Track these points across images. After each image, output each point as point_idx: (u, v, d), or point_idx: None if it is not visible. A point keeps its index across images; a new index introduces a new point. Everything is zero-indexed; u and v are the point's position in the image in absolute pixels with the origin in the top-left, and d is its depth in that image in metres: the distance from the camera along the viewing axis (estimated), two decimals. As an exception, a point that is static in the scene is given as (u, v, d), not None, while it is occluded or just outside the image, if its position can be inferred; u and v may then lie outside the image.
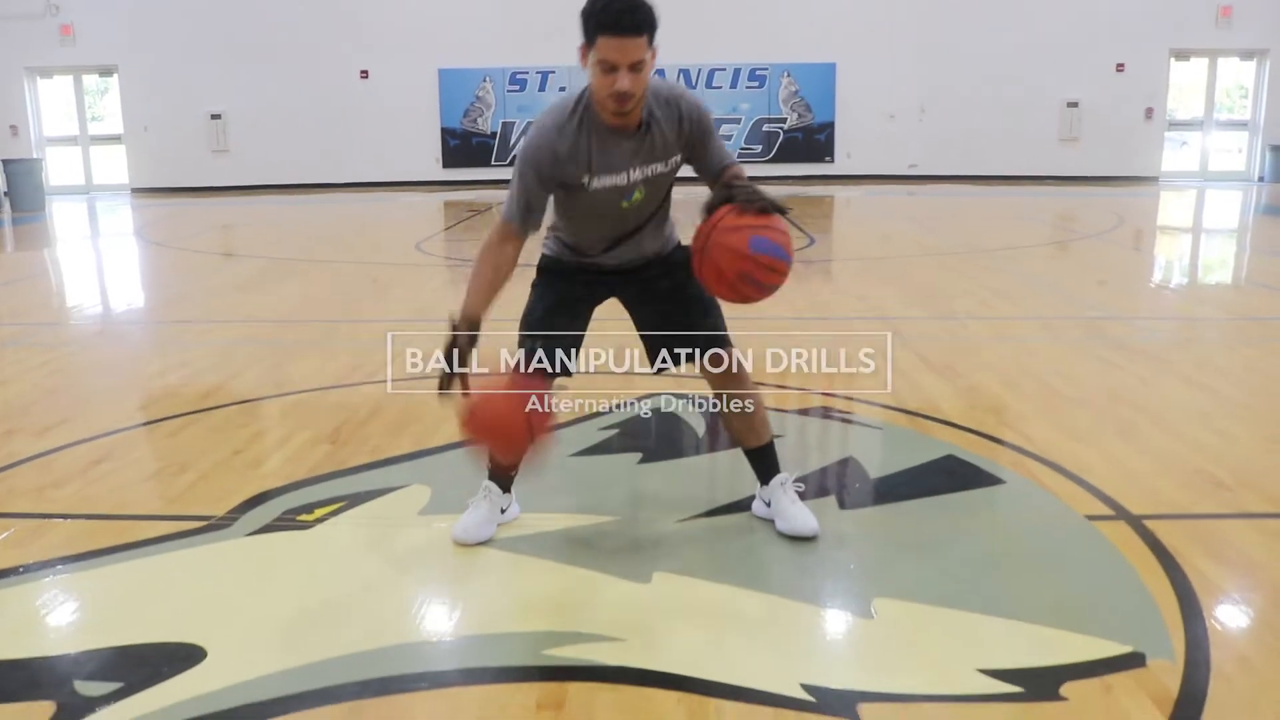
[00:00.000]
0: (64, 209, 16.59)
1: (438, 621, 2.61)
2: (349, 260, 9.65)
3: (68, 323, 6.98)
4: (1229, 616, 2.54)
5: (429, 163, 19.92)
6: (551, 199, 2.87)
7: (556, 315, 2.96)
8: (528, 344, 2.93)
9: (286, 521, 3.22)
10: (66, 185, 19.68)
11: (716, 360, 3.01)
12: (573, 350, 3.00)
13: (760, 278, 2.66)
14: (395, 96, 19.56)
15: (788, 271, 2.70)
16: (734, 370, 3.02)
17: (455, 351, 2.65)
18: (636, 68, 2.55)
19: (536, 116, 2.84)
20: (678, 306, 3.01)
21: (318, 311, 7.04)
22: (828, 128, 19.79)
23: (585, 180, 2.74)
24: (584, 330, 3.05)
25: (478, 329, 2.70)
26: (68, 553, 2.99)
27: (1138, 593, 2.66)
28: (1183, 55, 19.05)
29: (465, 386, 2.65)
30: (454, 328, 2.68)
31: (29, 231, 13.35)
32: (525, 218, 2.77)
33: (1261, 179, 18.76)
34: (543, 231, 3.02)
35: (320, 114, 19.59)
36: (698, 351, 3.01)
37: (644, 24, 2.54)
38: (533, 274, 3.05)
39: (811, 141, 19.91)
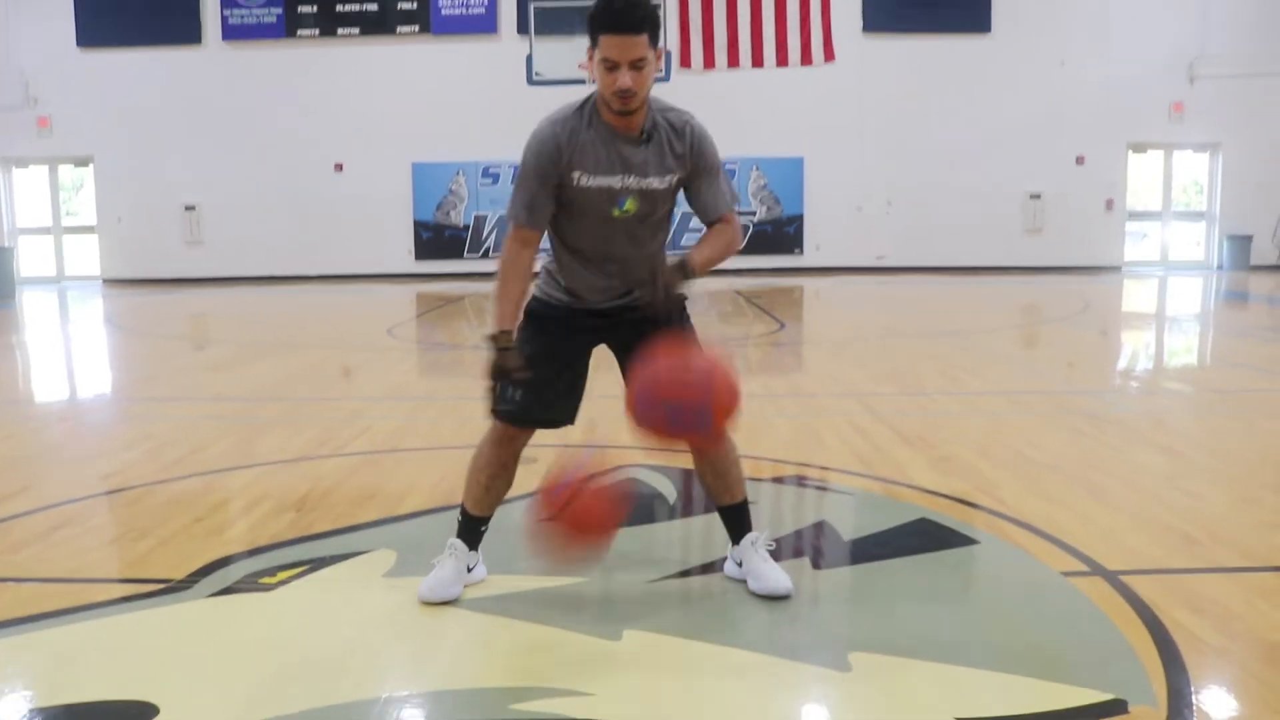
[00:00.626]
0: (34, 298, 16.49)
1: (400, 677, 2.53)
2: (320, 345, 9.62)
3: (32, 401, 6.88)
4: (1211, 664, 2.51)
5: (402, 255, 20.01)
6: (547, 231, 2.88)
7: (539, 365, 2.88)
8: (506, 390, 2.87)
9: (248, 584, 3.13)
10: (38, 275, 19.61)
11: None
12: (562, 402, 2.96)
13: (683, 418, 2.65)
14: (369, 189, 19.74)
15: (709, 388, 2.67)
16: None
17: (500, 365, 2.75)
18: (638, 65, 2.61)
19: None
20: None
21: (287, 391, 6.98)
22: (796, 220, 20.10)
23: (578, 177, 2.75)
24: (578, 381, 2.99)
25: (514, 339, 2.78)
26: (18, 615, 2.88)
27: (1117, 643, 2.62)
28: (1140, 148, 19.60)
29: (514, 399, 2.77)
30: (494, 342, 2.75)
31: (-4, 319, 13.25)
32: (532, 215, 2.79)
33: (1220, 267, 19.17)
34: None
35: (294, 206, 19.71)
36: None
37: (644, 22, 2.61)
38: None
39: (781, 234, 20.20)
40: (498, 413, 2.93)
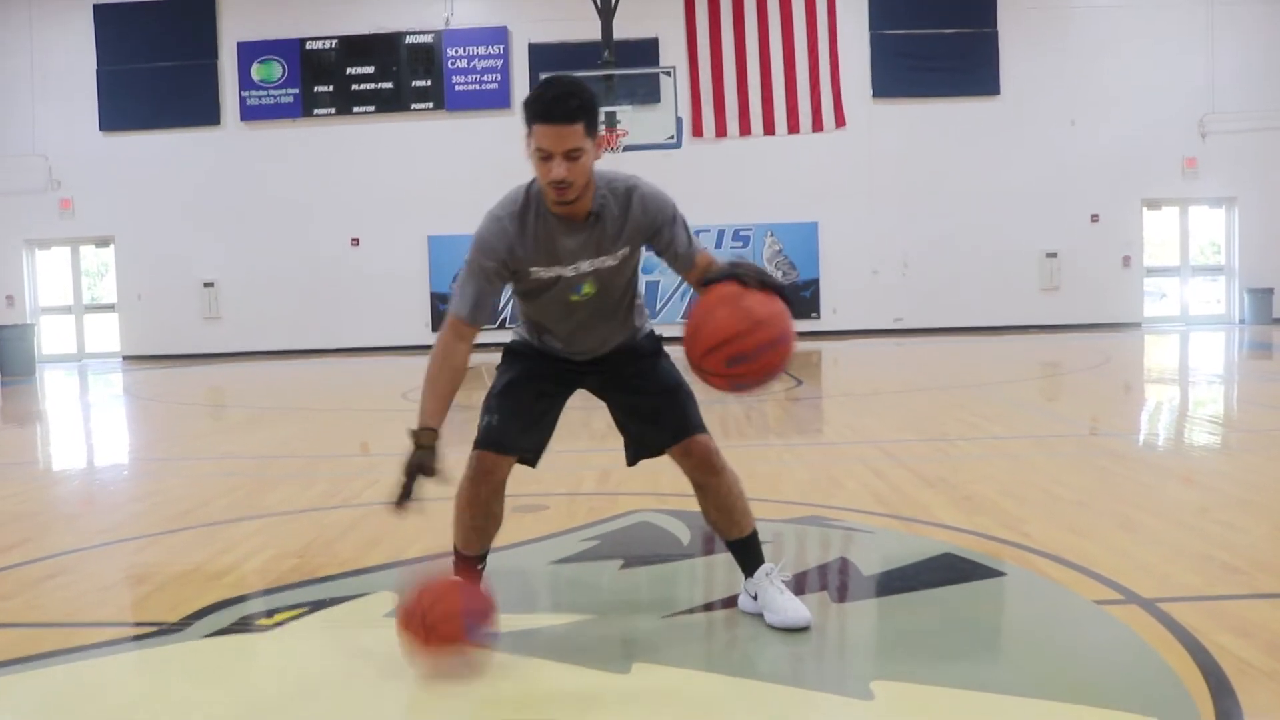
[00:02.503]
0: (54, 374, 16.56)
1: (399, 713, 2.40)
2: (333, 408, 9.56)
3: (43, 462, 6.82)
4: (1261, 688, 2.34)
5: (419, 327, 20.05)
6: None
7: (516, 389, 2.88)
8: (485, 418, 2.86)
9: (245, 625, 3.01)
10: (59, 353, 19.73)
11: (689, 449, 2.87)
12: (534, 431, 2.89)
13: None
14: (385, 262, 19.86)
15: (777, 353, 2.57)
16: (710, 459, 2.88)
17: (417, 463, 2.61)
18: (572, 155, 2.52)
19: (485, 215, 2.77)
20: (646, 397, 2.91)
21: (298, 449, 6.89)
22: (812, 284, 20.08)
23: (532, 270, 2.69)
24: (550, 411, 2.94)
25: (437, 438, 2.64)
26: (7, 657, 2.77)
27: (1158, 666, 2.47)
28: (1154, 204, 19.55)
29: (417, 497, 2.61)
30: (415, 439, 2.63)
31: (16, 392, 13.26)
32: (475, 312, 2.70)
33: (1243, 320, 18.96)
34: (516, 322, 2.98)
35: (311, 280, 19.84)
36: (668, 440, 2.87)
37: (578, 112, 2.51)
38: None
39: (797, 299, 20.17)
40: (476, 442, 2.86)
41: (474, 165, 19.43)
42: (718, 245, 19.99)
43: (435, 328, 19.91)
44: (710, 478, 2.89)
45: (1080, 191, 19.11)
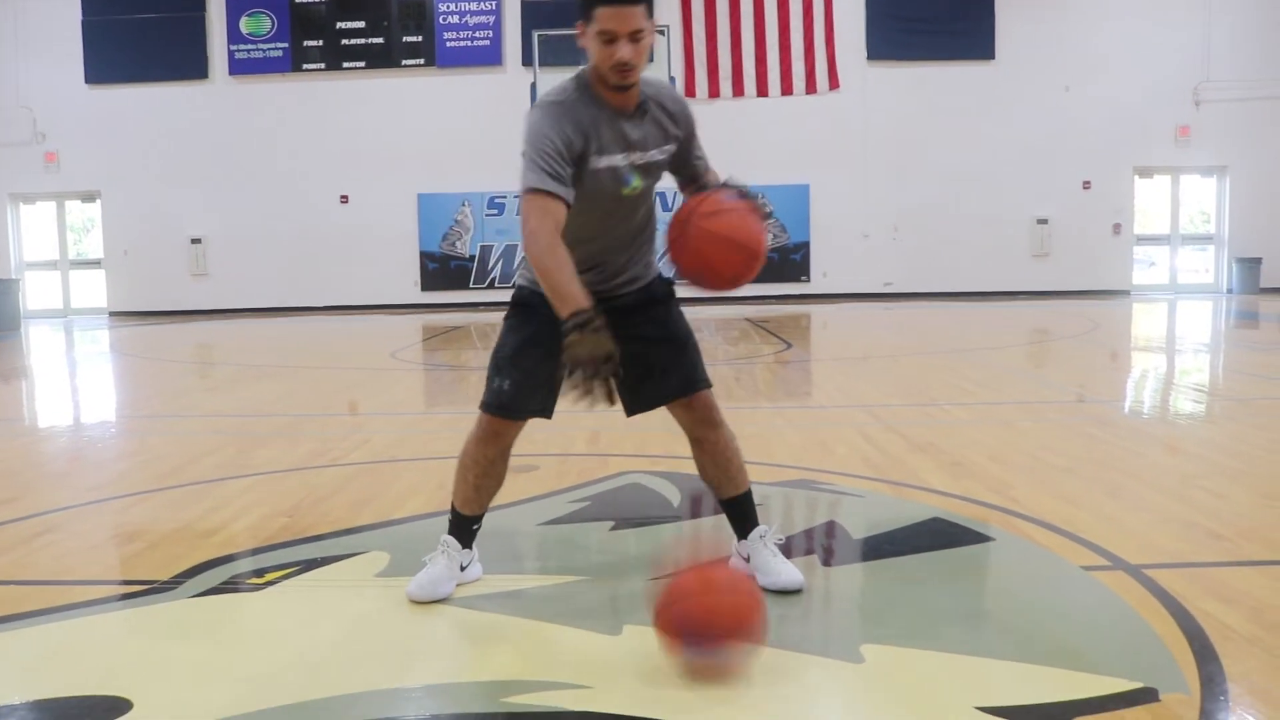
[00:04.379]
0: (39, 329, 16.47)
1: (388, 672, 2.40)
2: (321, 366, 9.53)
3: (29, 420, 6.79)
4: (1244, 653, 2.36)
5: (408, 286, 19.97)
6: None
7: (528, 352, 2.80)
8: (496, 380, 2.81)
9: (236, 584, 3.02)
10: (44, 309, 19.62)
11: (692, 403, 2.86)
12: (544, 391, 2.85)
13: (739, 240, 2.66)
14: (374, 220, 19.74)
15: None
16: (710, 413, 2.88)
17: (604, 350, 2.34)
18: (636, 37, 2.52)
19: (533, 105, 2.70)
20: (653, 345, 2.86)
21: (286, 407, 6.88)
22: (803, 248, 20.04)
23: (589, 158, 2.60)
24: (557, 368, 2.90)
25: (596, 308, 2.41)
26: (-4, 615, 2.78)
27: (1144, 632, 2.49)
28: (1146, 172, 19.53)
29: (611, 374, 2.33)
30: (579, 323, 2.35)
31: (1, 348, 13.19)
32: (561, 183, 2.51)
33: (1230, 290, 19.03)
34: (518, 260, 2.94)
35: (300, 238, 19.72)
36: (672, 392, 2.86)
37: None
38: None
39: (787, 261, 20.12)
40: (486, 405, 2.82)
41: (465, 123, 19.29)
42: (709, 207, 19.88)
43: (425, 287, 19.86)
44: (710, 432, 2.88)
45: (1073, 158, 19.09)
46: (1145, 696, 2.15)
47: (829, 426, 5.64)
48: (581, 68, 2.67)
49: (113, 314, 19.53)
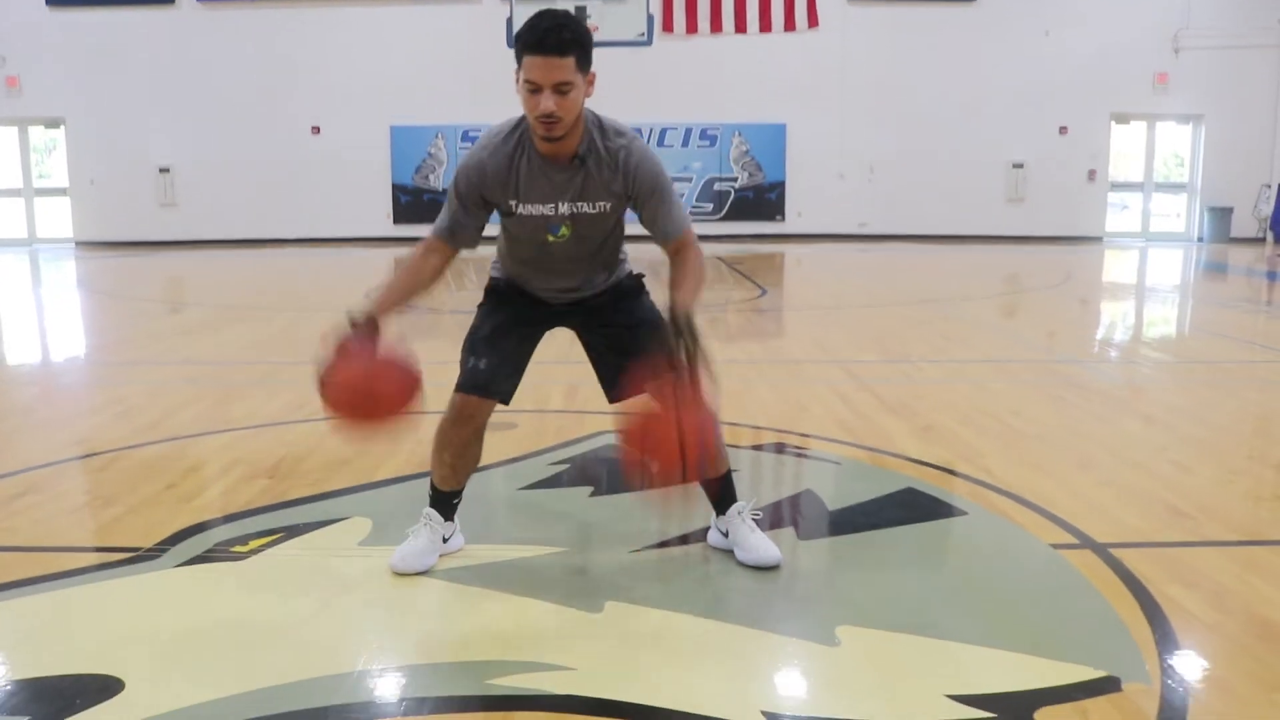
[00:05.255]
0: (4, 260, 16.23)
1: (374, 651, 2.45)
2: (294, 308, 9.47)
3: (2, 364, 6.74)
4: (1204, 640, 2.46)
5: (380, 219, 19.78)
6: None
7: (502, 335, 2.88)
8: (471, 361, 2.86)
9: (219, 553, 3.04)
10: (8, 238, 19.28)
11: None
12: (516, 374, 2.90)
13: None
14: (347, 152, 19.47)
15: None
16: None
17: (344, 330, 2.58)
18: (562, 89, 2.46)
19: (475, 141, 2.76)
20: (628, 331, 2.90)
21: (261, 354, 6.86)
22: (778, 187, 19.99)
23: (512, 204, 2.68)
24: (530, 353, 2.95)
25: (366, 318, 2.60)
26: (-20, 585, 2.79)
27: (1108, 618, 2.57)
28: (1123, 119, 19.55)
29: (335, 362, 2.56)
30: (349, 315, 2.60)
31: (-35, 281, 13.02)
32: (451, 233, 2.74)
33: (1200, 239, 19.20)
34: (494, 253, 2.96)
35: (270, 168, 19.43)
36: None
37: (569, 44, 2.46)
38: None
39: (762, 200, 20.08)
40: (461, 385, 2.86)
41: (439, 55, 18.97)
42: (684, 144, 19.79)
43: (397, 220, 19.69)
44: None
45: (1050, 103, 19.06)
46: (1108, 686, 2.23)
47: (804, 384, 5.70)
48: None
49: (79, 244, 19.23)
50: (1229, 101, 19.01)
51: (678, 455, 2.39)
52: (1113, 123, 19.49)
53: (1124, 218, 20.15)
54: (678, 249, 2.70)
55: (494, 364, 2.84)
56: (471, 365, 2.85)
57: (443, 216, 2.74)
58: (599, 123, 2.66)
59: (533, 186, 2.65)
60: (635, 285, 2.97)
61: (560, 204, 2.67)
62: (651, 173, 2.66)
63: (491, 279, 2.98)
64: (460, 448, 2.92)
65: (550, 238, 2.73)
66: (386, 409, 2.58)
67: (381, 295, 2.66)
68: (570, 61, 2.46)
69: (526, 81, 2.48)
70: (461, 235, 2.74)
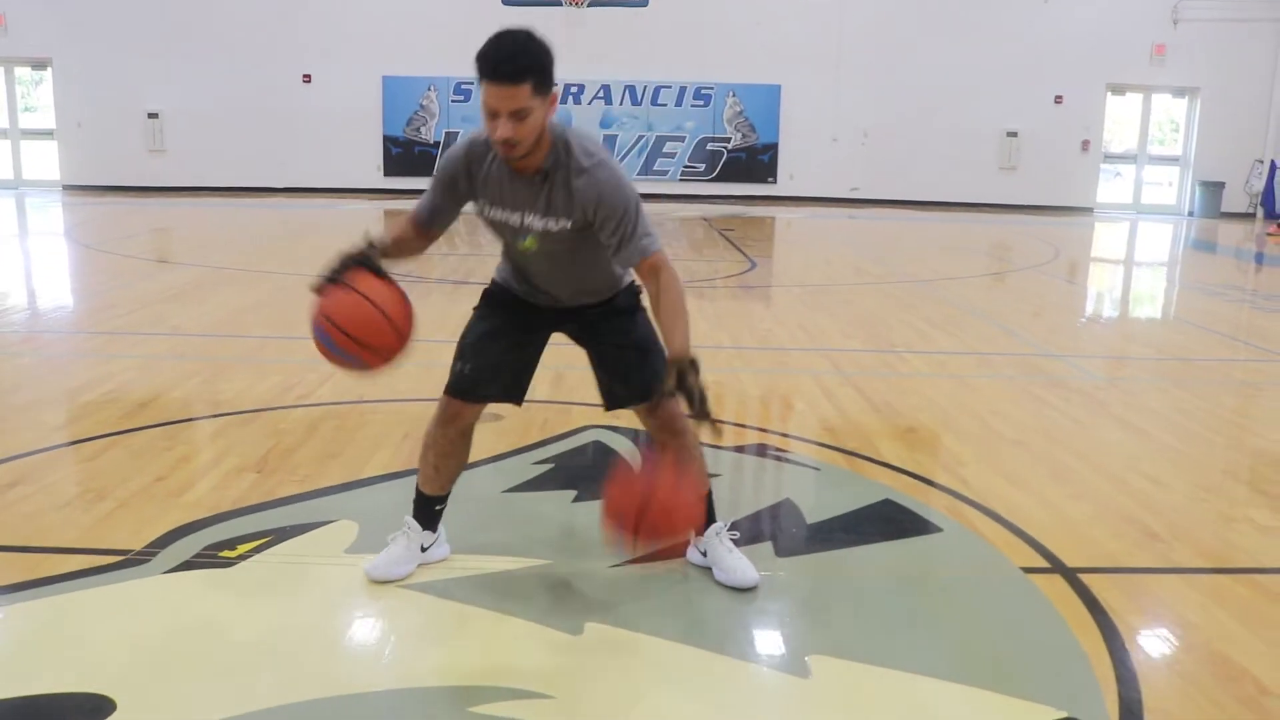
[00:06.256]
0: (-11, 204, 16.13)
1: (359, 674, 2.51)
2: (283, 271, 9.46)
3: (-12, 330, 6.76)
4: (1163, 680, 2.54)
5: (370, 170, 19.67)
6: None
7: (489, 341, 2.93)
8: (458, 365, 2.94)
9: (207, 558, 3.10)
10: (-6, 179, 19.13)
11: (654, 409, 2.95)
12: (507, 376, 2.95)
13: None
14: (338, 102, 19.30)
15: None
16: (673, 421, 2.96)
17: (349, 257, 2.72)
18: (518, 115, 2.46)
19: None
20: (616, 351, 2.95)
21: (249, 326, 6.87)
22: (771, 149, 19.92)
23: (483, 204, 2.74)
24: (526, 358, 2.99)
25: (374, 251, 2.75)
26: (-28, 589, 2.85)
27: (1072, 652, 2.65)
28: (1119, 90, 19.50)
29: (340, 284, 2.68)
30: (367, 240, 2.76)
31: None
32: (428, 217, 2.83)
33: (1191, 213, 19.25)
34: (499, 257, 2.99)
35: (260, 117, 19.26)
36: (637, 397, 2.95)
37: (525, 72, 2.44)
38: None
39: (755, 162, 20.02)
40: (447, 387, 2.92)
41: (433, 5, 18.75)
42: (678, 103, 19.67)
43: (388, 171, 19.61)
44: (672, 439, 2.98)
45: (1046, 72, 18.99)
46: (1068, 728, 2.32)
47: (788, 374, 5.76)
48: None
49: (66, 187, 19.08)
50: (1226, 75, 18.96)
51: (632, 520, 2.48)
52: (1109, 93, 19.43)
53: (1116, 188, 20.17)
54: (650, 272, 2.64)
55: (477, 368, 2.92)
56: (458, 369, 2.93)
57: (424, 200, 2.83)
58: (567, 144, 2.62)
59: (501, 192, 2.69)
60: (631, 303, 2.97)
61: (525, 215, 2.69)
62: (614, 197, 2.60)
63: (491, 281, 3.02)
64: (446, 447, 2.98)
65: (521, 245, 2.75)
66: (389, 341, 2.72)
67: (386, 240, 2.81)
68: (526, 89, 2.45)
69: (485, 105, 2.50)
70: (439, 221, 2.85)
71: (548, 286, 2.90)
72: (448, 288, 8.64)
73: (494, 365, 2.92)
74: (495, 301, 2.99)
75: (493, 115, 2.48)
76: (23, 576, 2.94)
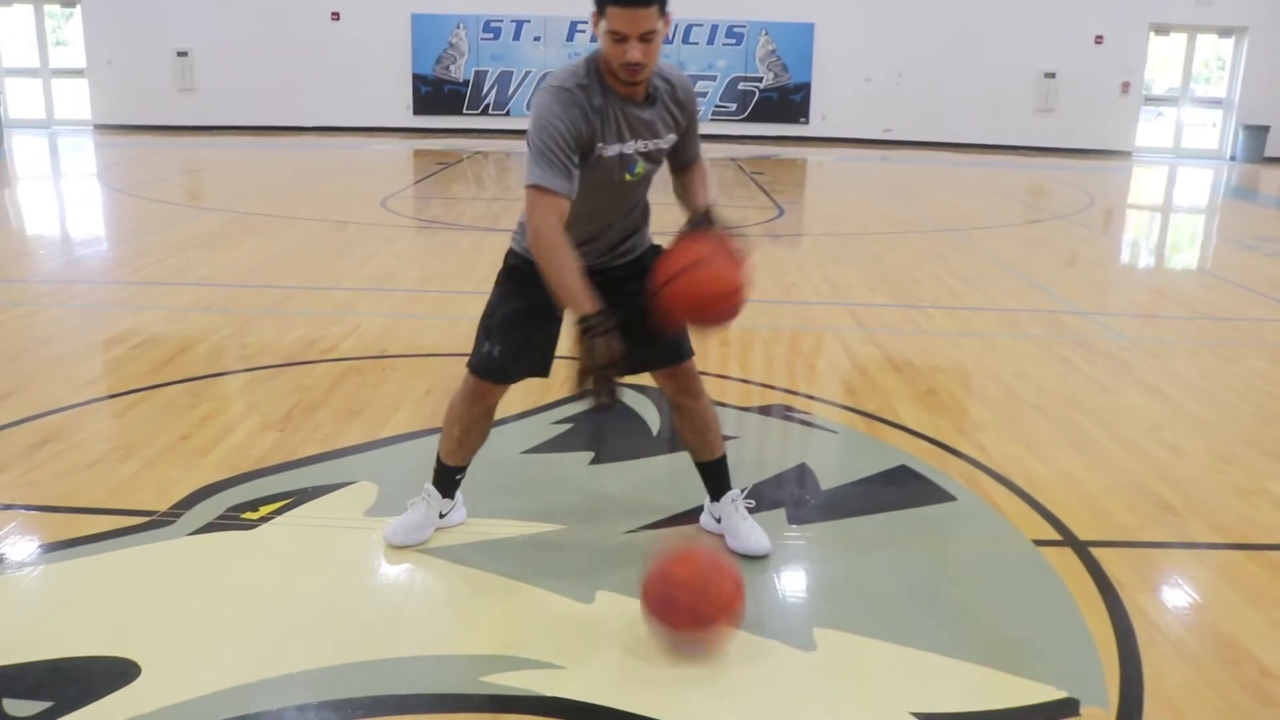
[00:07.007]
0: (24, 143, 16.23)
1: (377, 641, 2.57)
2: (310, 217, 9.50)
3: (25, 279, 6.85)
4: (1166, 662, 2.55)
5: (400, 109, 19.62)
6: None
7: (518, 321, 2.86)
8: (485, 345, 2.88)
9: (230, 520, 3.17)
10: (27, 119, 19.22)
11: (675, 372, 2.97)
12: (540, 354, 2.93)
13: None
14: (366, 40, 19.21)
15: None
16: (692, 382, 2.99)
17: (598, 342, 2.46)
18: (647, 38, 2.50)
19: (540, 87, 2.71)
20: (638, 315, 2.94)
21: (275, 275, 6.93)
22: (804, 88, 19.65)
23: (599, 147, 2.63)
24: (555, 334, 2.95)
25: (605, 316, 2.51)
26: (6, 550, 2.93)
27: (1078, 631, 2.67)
28: (1162, 30, 19.01)
29: (612, 377, 2.48)
30: (587, 329, 2.47)
31: (-14, 168, 13.07)
32: (569, 181, 2.55)
33: (1233, 158, 18.85)
34: (514, 225, 2.94)
35: (289, 55, 19.20)
36: (659, 360, 2.96)
37: None
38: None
39: (787, 102, 19.77)
40: (474, 368, 2.91)
41: (461, -58, 18.53)
42: (710, 41, 19.41)
43: (417, 110, 19.52)
44: (690, 400, 3.01)
45: (1086, 11, 18.55)
46: (1066, 709, 2.34)
47: (812, 330, 5.75)
48: (594, 51, 2.64)
49: (97, 126, 19.16)
50: (1273, 15, 18.42)
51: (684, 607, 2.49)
52: (1152, 34, 18.96)
53: (1156, 130, 19.74)
54: (693, 161, 2.92)
55: (506, 350, 2.87)
56: (486, 350, 2.88)
57: (555, 175, 2.53)
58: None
59: (620, 125, 2.66)
60: (653, 262, 2.98)
61: (638, 141, 2.70)
62: (696, 100, 2.85)
63: (512, 254, 2.91)
64: (470, 423, 3.01)
65: (627, 176, 2.73)
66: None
67: (576, 289, 2.53)
68: (653, 10, 2.50)
69: (612, 31, 2.50)
70: (575, 181, 2.58)
71: (611, 232, 2.84)
72: (475, 235, 8.66)
73: (523, 345, 2.88)
74: (520, 276, 2.88)
75: (621, 40, 2.50)
76: (54, 538, 3.03)
